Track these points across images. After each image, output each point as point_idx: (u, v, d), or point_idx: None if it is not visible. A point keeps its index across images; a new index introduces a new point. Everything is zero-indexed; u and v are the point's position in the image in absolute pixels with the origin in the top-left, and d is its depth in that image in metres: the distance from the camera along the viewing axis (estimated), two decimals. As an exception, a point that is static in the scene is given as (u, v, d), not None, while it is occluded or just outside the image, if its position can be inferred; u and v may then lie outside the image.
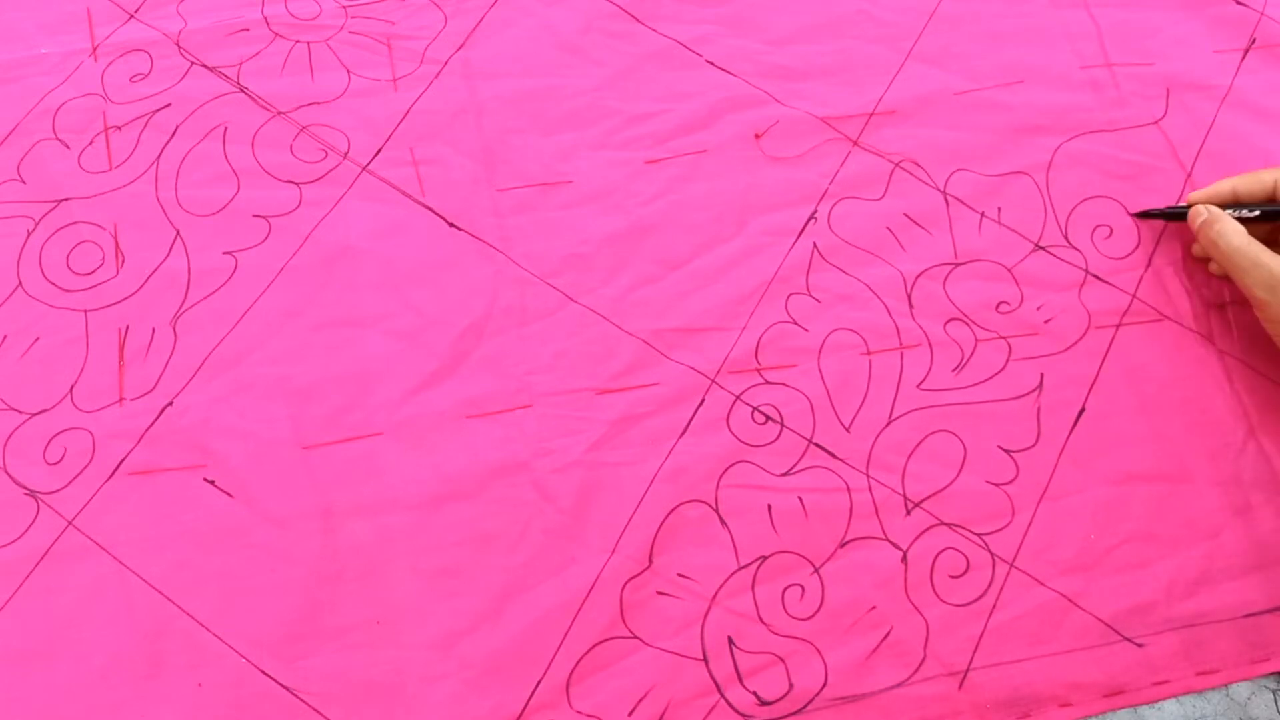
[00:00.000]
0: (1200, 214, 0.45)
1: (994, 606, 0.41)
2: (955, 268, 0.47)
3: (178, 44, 0.50)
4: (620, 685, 0.40)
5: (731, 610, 0.41)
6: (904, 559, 0.42)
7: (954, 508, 0.43)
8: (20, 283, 0.45)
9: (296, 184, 0.47)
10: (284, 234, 0.46)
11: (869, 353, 0.45)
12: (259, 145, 0.48)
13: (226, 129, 0.48)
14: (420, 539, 0.42)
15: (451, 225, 0.47)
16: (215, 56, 0.50)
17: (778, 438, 0.44)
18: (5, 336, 0.44)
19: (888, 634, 0.41)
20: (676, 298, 0.46)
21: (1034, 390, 0.45)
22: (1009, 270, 0.47)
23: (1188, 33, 0.52)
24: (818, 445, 0.44)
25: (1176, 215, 0.47)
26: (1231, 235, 0.43)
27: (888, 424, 0.44)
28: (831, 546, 0.42)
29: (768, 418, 0.44)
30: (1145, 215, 0.48)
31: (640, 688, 0.40)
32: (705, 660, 0.40)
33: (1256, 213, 0.44)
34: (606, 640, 0.40)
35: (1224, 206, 0.45)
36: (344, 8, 0.51)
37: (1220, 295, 0.47)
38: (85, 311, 0.45)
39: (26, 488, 0.42)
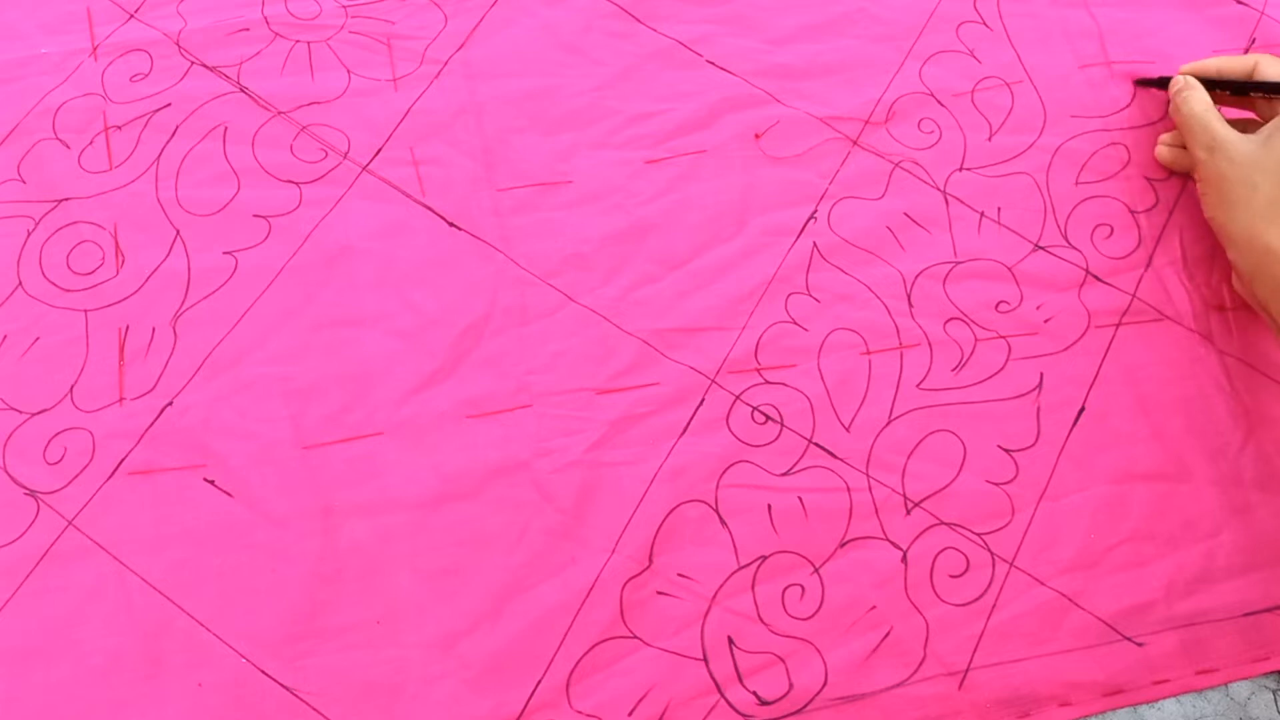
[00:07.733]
0: (1178, 82, 0.47)
1: (994, 606, 0.41)
2: (955, 267, 0.47)
3: (178, 44, 0.50)
4: (620, 685, 0.40)
5: (731, 610, 0.41)
6: (904, 559, 0.42)
7: (954, 507, 0.43)
8: (20, 283, 0.45)
9: (296, 184, 0.47)
10: (284, 234, 0.46)
11: (869, 352, 0.45)
12: (259, 145, 0.48)
13: (226, 129, 0.48)
14: (420, 539, 0.42)
15: (451, 225, 0.47)
16: (215, 56, 0.50)
17: (777, 437, 0.44)
18: (5, 336, 0.44)
19: (888, 634, 0.41)
20: (676, 298, 0.46)
21: (1034, 390, 0.45)
22: (1009, 270, 0.47)
23: (1188, 32, 0.52)
24: (818, 445, 0.44)
25: (1165, 83, 0.49)
26: (1194, 102, 0.45)
27: (887, 424, 0.44)
28: (831, 546, 0.42)
29: (767, 417, 0.44)
30: (1142, 83, 0.50)
31: (640, 688, 0.40)
32: (705, 660, 0.40)
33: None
34: (606, 640, 0.40)
35: (1206, 82, 0.47)
36: (344, 7, 0.51)
37: (1220, 297, 0.47)
38: (85, 311, 0.45)
39: (26, 488, 0.42)
